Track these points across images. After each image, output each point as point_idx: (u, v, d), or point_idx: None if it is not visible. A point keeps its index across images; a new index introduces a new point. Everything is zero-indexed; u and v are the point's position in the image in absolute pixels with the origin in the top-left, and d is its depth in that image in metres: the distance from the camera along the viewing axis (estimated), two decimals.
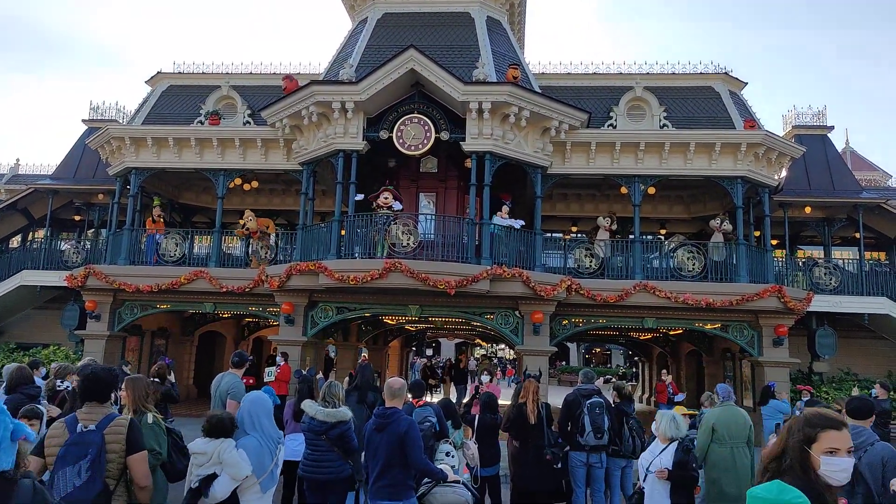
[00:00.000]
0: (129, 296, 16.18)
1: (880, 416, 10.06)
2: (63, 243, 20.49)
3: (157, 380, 8.96)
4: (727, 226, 16.01)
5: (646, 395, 27.78)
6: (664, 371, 17.92)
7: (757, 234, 17.16)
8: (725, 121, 16.16)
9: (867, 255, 19.43)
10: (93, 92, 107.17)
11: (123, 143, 16.85)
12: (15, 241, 23.41)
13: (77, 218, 21.83)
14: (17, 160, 25.66)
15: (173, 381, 9.20)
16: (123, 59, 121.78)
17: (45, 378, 8.53)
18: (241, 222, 16.44)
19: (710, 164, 15.51)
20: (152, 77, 18.71)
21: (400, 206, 14.44)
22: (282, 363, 13.96)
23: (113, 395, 4.48)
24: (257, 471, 4.76)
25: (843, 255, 20.10)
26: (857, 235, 18.91)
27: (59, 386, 7.28)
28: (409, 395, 7.00)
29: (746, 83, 17.49)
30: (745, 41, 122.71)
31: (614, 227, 16.46)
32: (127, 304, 16.55)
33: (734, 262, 15.20)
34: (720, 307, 14.49)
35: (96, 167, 20.36)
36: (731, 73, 17.25)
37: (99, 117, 20.75)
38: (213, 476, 4.65)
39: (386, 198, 14.12)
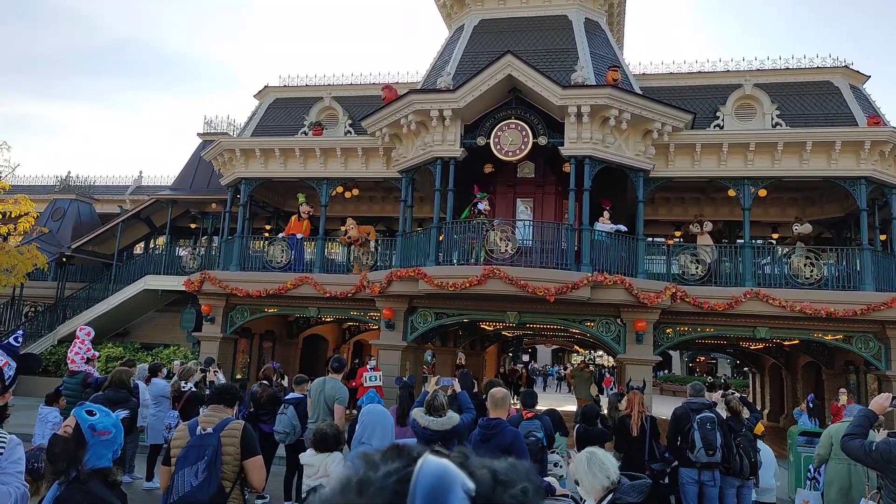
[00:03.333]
0: (239, 300, 17.00)
1: None
2: (181, 250, 21.88)
3: (265, 382, 9.37)
4: (804, 227, 15.14)
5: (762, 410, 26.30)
6: (841, 389, 13.93)
7: (883, 238, 15.88)
8: (846, 117, 15.07)
9: None
10: (207, 107, 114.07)
11: (234, 154, 17.78)
12: (139, 248, 25.27)
13: (193, 226, 23.25)
14: (140, 172, 27.74)
15: (286, 384, 9.50)
16: (234, 75, 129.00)
17: (168, 378, 9.12)
18: (343, 229, 16.92)
19: (829, 164, 14.50)
20: (260, 91, 19.65)
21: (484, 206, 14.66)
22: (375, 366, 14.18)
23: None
24: None
25: None
26: None
27: (183, 387, 7.77)
28: (519, 405, 6.96)
29: (869, 76, 16.23)
30: (862, 32, 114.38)
31: (709, 227, 15.60)
32: (238, 308, 17.41)
33: (857, 268, 14.13)
34: (842, 317, 13.49)
35: (210, 178, 21.60)
36: (851, 67, 16.06)
37: (212, 130, 21.99)
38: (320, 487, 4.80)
39: (485, 207, 14.31)
